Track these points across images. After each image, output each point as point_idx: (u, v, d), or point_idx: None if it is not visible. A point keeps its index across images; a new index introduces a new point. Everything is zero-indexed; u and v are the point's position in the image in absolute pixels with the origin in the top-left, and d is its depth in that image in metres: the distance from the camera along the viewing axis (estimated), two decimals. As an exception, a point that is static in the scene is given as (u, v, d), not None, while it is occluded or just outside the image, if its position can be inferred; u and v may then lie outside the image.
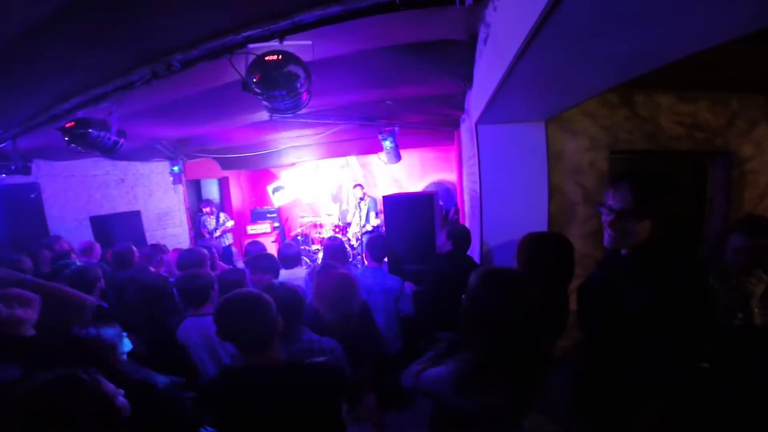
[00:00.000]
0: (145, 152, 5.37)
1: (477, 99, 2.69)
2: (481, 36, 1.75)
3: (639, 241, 1.09)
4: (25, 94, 2.40)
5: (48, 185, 4.90)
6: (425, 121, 5.06)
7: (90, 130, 2.59)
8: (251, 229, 7.10)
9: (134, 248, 3.32)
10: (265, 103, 1.85)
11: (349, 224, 6.40)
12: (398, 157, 5.22)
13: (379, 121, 4.51)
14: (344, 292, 1.98)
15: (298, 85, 1.65)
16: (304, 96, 1.79)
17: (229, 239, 6.61)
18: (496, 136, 2.96)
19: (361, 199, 6.20)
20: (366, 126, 4.63)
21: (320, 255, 5.82)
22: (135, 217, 5.68)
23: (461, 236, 2.74)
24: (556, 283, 1.61)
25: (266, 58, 1.55)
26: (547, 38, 1.10)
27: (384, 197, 4.42)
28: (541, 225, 2.79)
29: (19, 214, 4.54)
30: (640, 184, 1.08)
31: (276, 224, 7.42)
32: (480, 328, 1.15)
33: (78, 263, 3.05)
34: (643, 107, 2.72)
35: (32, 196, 4.75)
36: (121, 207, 5.66)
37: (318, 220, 6.84)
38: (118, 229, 5.10)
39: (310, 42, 1.59)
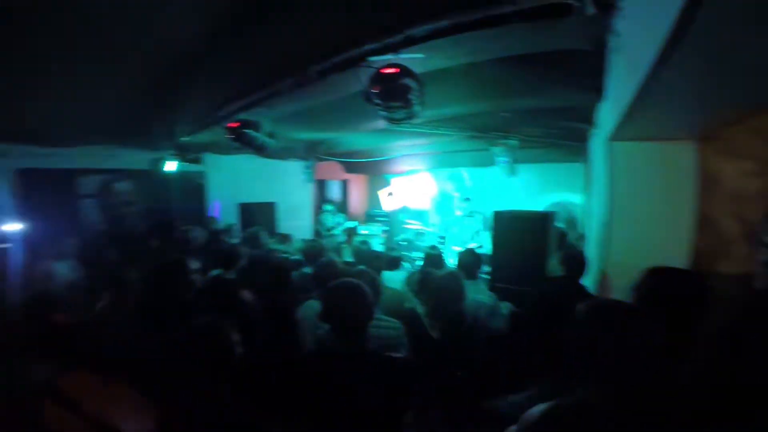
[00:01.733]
0: (284, 152, 6.24)
1: (610, 112, 2.41)
2: (612, 45, 1.58)
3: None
4: (200, 99, 3.06)
5: (211, 175, 6.11)
6: (547, 135, 4.71)
7: (247, 131, 3.15)
8: (363, 230, 7.61)
9: (263, 232, 3.90)
10: (382, 113, 2.00)
11: (449, 236, 6.30)
12: (513, 172, 4.97)
13: (493, 133, 4.37)
14: (454, 290, 2.07)
15: (412, 96, 1.75)
16: (417, 107, 1.88)
17: (342, 237, 7.21)
18: (633, 155, 2.59)
19: (470, 214, 6.03)
20: (478, 138, 4.54)
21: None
22: (272, 207, 6.64)
23: (576, 262, 2.50)
24: (681, 324, 1.35)
25: (383, 71, 1.69)
26: (691, 40, 0.94)
27: (495, 212, 4.26)
28: (681, 261, 2.34)
29: (188, 195, 5.77)
30: None
31: (386, 228, 7.80)
32: (585, 364, 1.06)
33: (228, 241, 3.75)
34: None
35: (200, 182, 6.00)
36: (262, 198, 6.67)
37: (423, 229, 6.94)
38: (258, 216, 6.03)
39: (422, 55, 1.68)
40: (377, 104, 1.89)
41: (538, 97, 3.12)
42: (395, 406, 1.39)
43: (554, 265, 2.60)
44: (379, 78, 1.72)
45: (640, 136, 2.40)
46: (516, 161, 4.91)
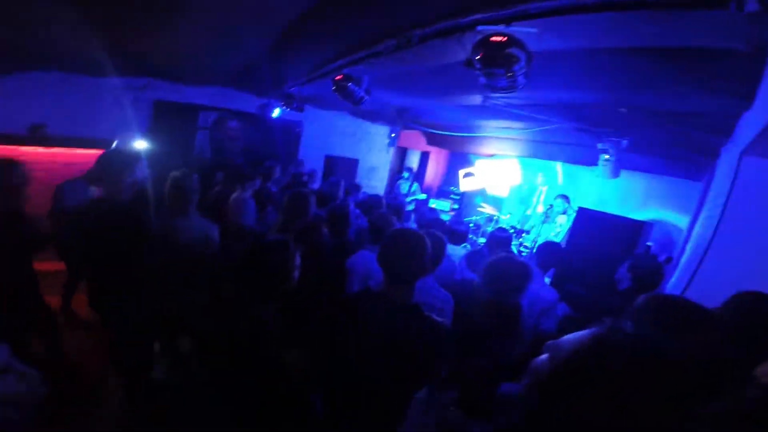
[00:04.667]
0: (374, 115, 6.41)
1: (754, 122, 2.04)
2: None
3: None
4: (312, 53, 3.26)
5: (306, 125, 6.58)
6: (668, 140, 4.12)
7: (349, 84, 3.32)
8: (433, 203, 7.62)
9: (341, 183, 4.16)
10: (482, 79, 1.94)
11: (525, 230, 6.01)
12: (615, 174, 4.47)
13: (604, 128, 3.95)
14: (515, 279, 1.93)
15: (517, 67, 1.69)
16: (521, 79, 1.81)
17: (412, 207, 7.33)
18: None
19: (564, 212, 5.67)
20: (584, 131, 4.14)
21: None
22: (354, 163, 6.98)
23: (649, 272, 2.23)
24: (756, 357, 1.19)
25: (491, 39, 1.64)
26: None
27: (580, 208, 3.99)
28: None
29: (285, 140, 6.41)
30: None
31: (456, 206, 7.70)
32: None
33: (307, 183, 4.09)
34: None
35: (296, 130, 6.52)
36: (347, 154, 7.03)
37: (495, 215, 6.70)
38: (340, 169, 6.40)
39: (535, 30, 1.58)
40: (479, 69, 1.85)
41: (671, 95, 2.72)
42: (423, 363, 1.40)
43: (622, 273, 2.35)
44: (485, 44, 1.67)
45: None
46: (622, 166, 4.38)
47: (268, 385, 1.35)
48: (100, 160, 2.19)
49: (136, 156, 2.28)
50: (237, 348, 1.38)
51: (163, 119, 5.46)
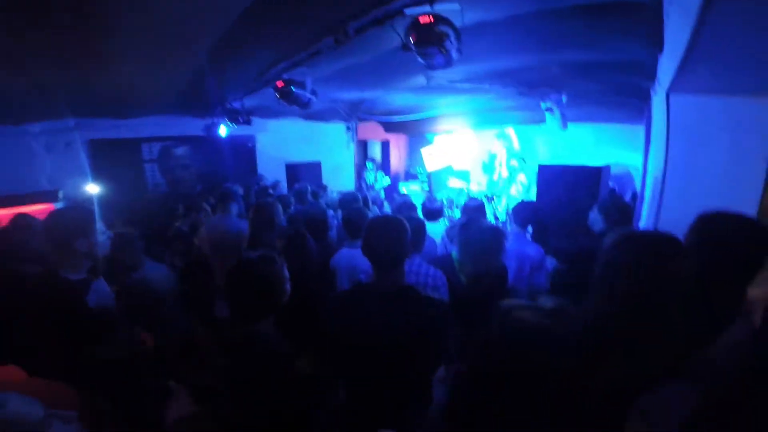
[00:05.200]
0: (327, 114, 6.35)
1: (668, 64, 2.21)
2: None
3: None
4: (248, 64, 3.19)
5: (260, 138, 6.43)
6: (603, 90, 4.34)
7: (292, 88, 3.27)
8: (403, 187, 7.73)
9: (309, 188, 4.11)
10: (420, 59, 2.01)
11: (496, 195, 6.24)
12: (563, 126, 4.68)
13: (543, 88, 4.11)
14: (490, 244, 2.00)
15: (448, 43, 1.76)
16: (454, 54, 1.88)
17: (382, 194, 7.40)
18: (695, 109, 2.39)
19: (511, 172, 5.95)
20: (527, 94, 4.30)
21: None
22: (316, 167, 6.90)
23: (618, 211, 2.37)
24: (730, 278, 1.24)
25: (420, 20, 1.70)
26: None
27: (540, 166, 4.15)
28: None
29: (240, 157, 6.26)
30: None
31: (426, 186, 7.83)
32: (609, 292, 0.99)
33: (273, 195, 4.01)
34: None
35: (249, 145, 6.37)
36: (307, 158, 6.94)
37: (466, 188, 6.87)
38: (304, 175, 6.31)
39: (458, 6, 1.65)
40: (414, 51, 1.91)
41: (595, 49, 2.87)
42: (429, 343, 1.43)
43: (594, 216, 2.48)
44: (414, 27, 1.75)
45: (703, 89, 2.20)
46: (569, 120, 4.59)
47: (275, 402, 1.34)
48: (46, 225, 1.66)
49: (88, 216, 1.67)
50: (237, 369, 1.35)
51: (103, 159, 5.16)
